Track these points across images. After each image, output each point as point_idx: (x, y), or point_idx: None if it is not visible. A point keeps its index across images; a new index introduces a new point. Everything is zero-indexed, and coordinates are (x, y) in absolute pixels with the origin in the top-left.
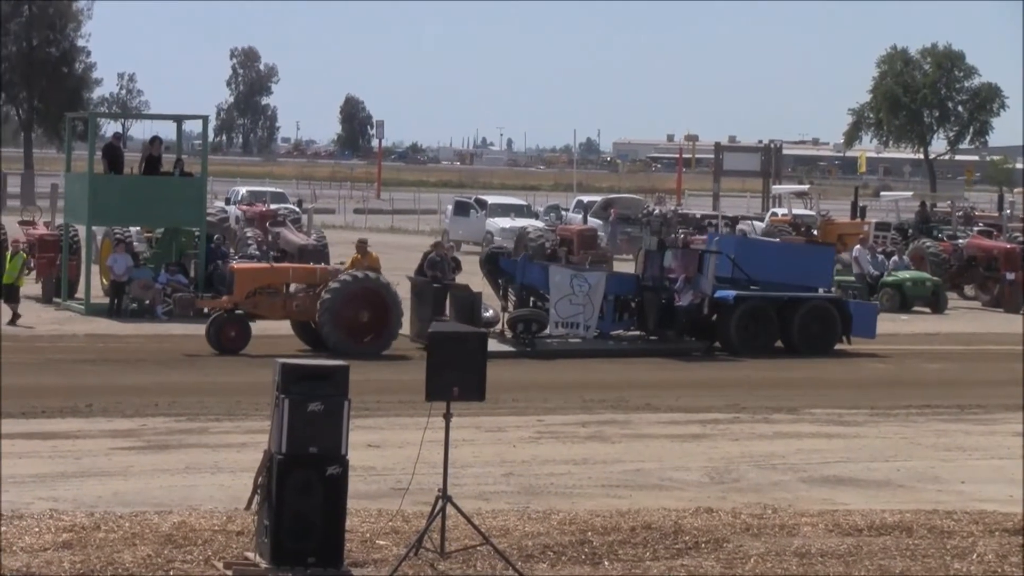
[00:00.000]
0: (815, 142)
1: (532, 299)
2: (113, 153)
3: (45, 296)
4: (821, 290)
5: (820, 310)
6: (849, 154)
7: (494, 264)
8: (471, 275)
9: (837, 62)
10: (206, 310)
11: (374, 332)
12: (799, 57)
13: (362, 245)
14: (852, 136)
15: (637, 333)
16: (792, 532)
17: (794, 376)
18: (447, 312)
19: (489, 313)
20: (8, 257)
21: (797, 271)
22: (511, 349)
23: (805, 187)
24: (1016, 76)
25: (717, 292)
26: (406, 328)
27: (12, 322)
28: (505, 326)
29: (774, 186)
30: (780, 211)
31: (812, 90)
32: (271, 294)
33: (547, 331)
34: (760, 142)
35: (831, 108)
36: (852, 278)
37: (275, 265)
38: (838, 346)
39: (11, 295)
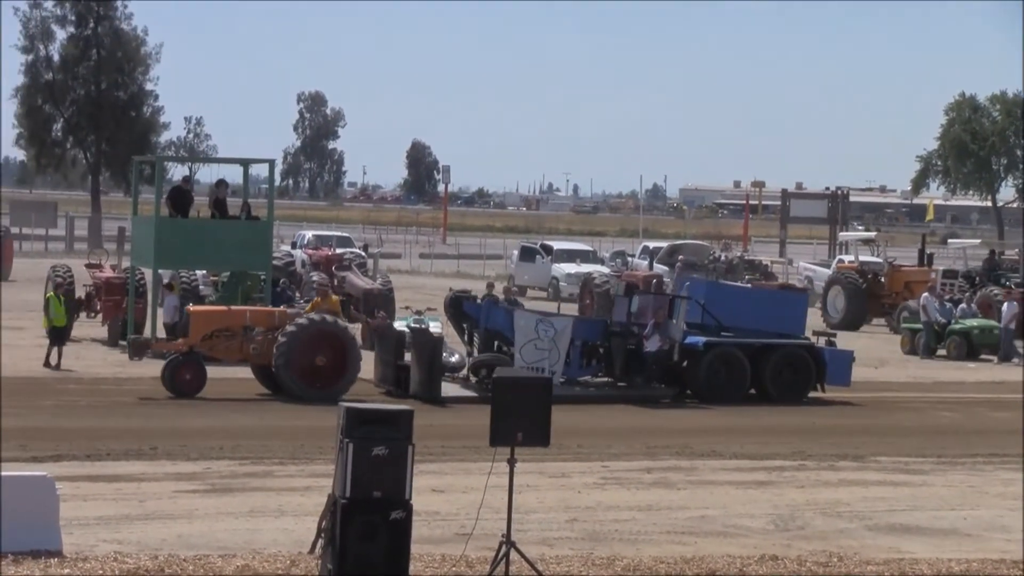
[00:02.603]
0: (882, 189)
1: (497, 344)
2: (179, 196)
3: (111, 339)
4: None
5: (793, 357)
6: (916, 201)
7: (458, 308)
8: None
9: (905, 109)
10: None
11: (332, 376)
12: (867, 104)
13: (322, 289)
14: (919, 183)
15: (605, 379)
16: None
17: (859, 423)
18: (408, 356)
19: (455, 358)
20: (51, 300)
21: (770, 317)
22: (474, 395)
23: (872, 234)
24: None
25: (687, 338)
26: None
27: (58, 365)
28: (468, 371)
29: (841, 233)
30: (847, 258)
31: (879, 137)
32: (228, 337)
33: None
34: (827, 189)
35: (899, 155)
36: (919, 325)
37: (232, 308)
38: (813, 394)
39: (62, 337)
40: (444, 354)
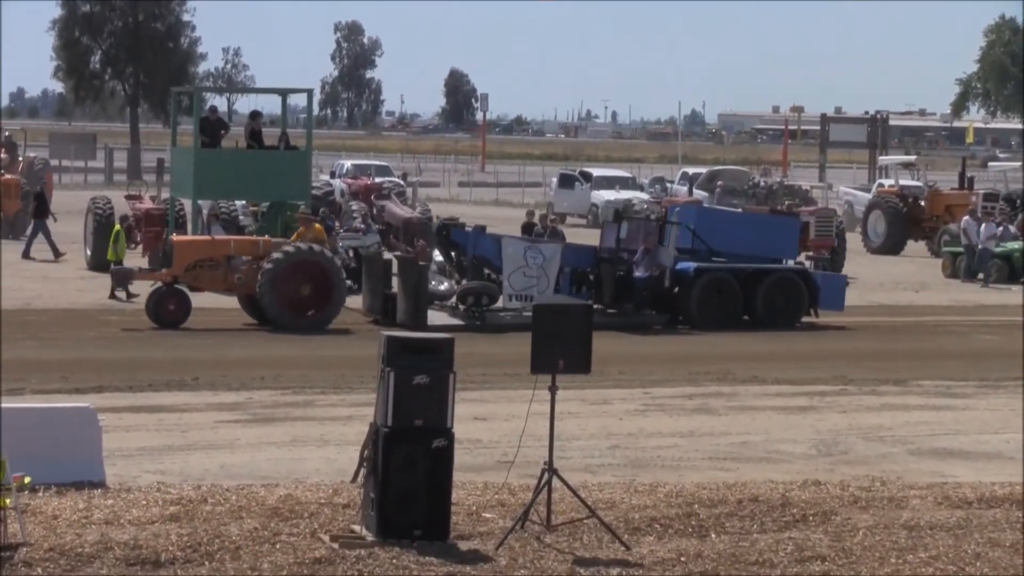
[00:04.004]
0: (922, 113)
1: (487, 271)
2: (206, 127)
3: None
4: (791, 262)
5: (785, 282)
6: (956, 124)
7: (446, 237)
8: None
9: (944, 32)
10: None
11: (316, 306)
12: (906, 27)
13: (305, 218)
14: (959, 106)
15: (595, 306)
16: (901, 505)
17: (901, 348)
18: (395, 286)
19: (444, 286)
20: (119, 235)
21: (762, 242)
22: (461, 323)
23: (912, 158)
24: None
25: (678, 264)
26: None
27: (129, 298)
28: (456, 299)
29: (881, 157)
30: (887, 182)
31: (919, 60)
32: (212, 267)
33: (500, 304)
34: (866, 113)
35: (938, 78)
36: (960, 249)
37: (215, 238)
38: (806, 319)
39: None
40: (433, 282)
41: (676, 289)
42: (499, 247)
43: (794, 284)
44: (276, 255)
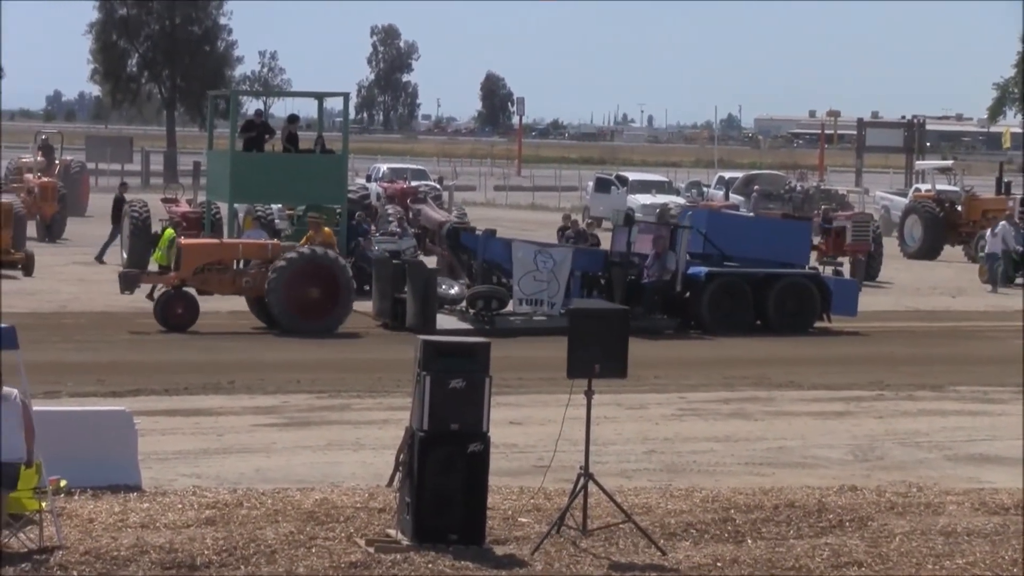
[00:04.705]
0: (959, 117)
1: (497, 276)
2: (250, 130)
3: None
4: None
5: (797, 287)
6: (993, 129)
7: (456, 240)
8: None
9: (981, 36)
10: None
11: (325, 309)
12: (943, 31)
13: (314, 221)
14: (996, 111)
15: None
16: (937, 511)
17: (937, 353)
18: (406, 289)
19: (454, 290)
20: (164, 239)
21: (774, 247)
22: (469, 327)
23: (949, 163)
24: None
25: (689, 268)
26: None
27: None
28: (465, 303)
29: (917, 162)
30: (924, 187)
31: (956, 65)
32: (220, 270)
33: (510, 308)
34: (903, 117)
35: (975, 83)
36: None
37: (224, 241)
38: (818, 324)
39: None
40: (444, 286)
41: (687, 293)
42: (509, 251)
43: (806, 289)
44: (285, 258)
